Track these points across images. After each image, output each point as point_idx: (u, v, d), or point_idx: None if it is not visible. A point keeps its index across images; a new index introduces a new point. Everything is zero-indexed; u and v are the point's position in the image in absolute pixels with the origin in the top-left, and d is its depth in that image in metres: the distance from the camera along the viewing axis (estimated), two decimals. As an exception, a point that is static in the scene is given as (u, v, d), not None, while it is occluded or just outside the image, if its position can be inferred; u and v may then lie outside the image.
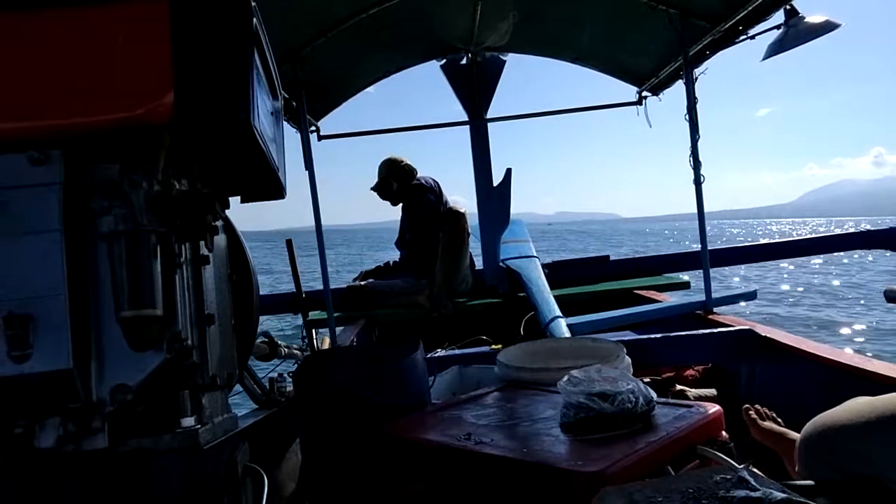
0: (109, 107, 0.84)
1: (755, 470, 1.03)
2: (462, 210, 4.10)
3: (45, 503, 0.83)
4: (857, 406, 1.20)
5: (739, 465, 1.12)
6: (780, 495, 0.90)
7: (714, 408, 1.46)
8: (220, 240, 1.12)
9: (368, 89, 4.42)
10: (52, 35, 0.84)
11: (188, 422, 0.89)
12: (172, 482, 0.85)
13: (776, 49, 2.82)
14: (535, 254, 4.46)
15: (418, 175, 4.40)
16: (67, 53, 0.84)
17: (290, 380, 1.81)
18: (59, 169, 0.83)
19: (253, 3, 0.94)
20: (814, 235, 4.88)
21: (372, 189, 4.47)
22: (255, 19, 0.95)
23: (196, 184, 0.92)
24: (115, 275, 0.81)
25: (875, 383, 1.95)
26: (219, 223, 1.11)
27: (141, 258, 0.81)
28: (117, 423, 0.85)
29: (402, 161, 4.40)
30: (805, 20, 2.76)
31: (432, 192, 4.24)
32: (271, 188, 1.24)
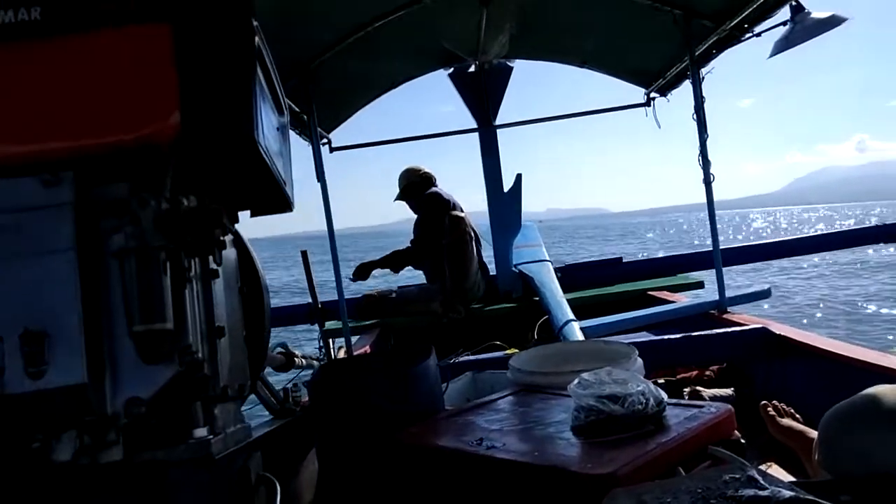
0: (117, 128, 0.86)
1: (775, 467, 1.03)
2: (462, 215, 4.13)
3: None
4: (881, 393, 1.19)
5: (753, 464, 1.12)
6: (788, 493, 0.90)
7: (725, 407, 1.45)
8: (230, 254, 1.14)
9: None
10: (59, 61, 0.87)
11: (201, 432, 0.91)
12: (186, 492, 0.87)
13: (783, 46, 2.81)
14: (547, 258, 4.47)
15: (436, 184, 4.44)
16: (74, 78, 0.87)
17: (304, 389, 1.83)
18: (70, 190, 0.85)
19: (255, 23, 0.96)
20: (830, 231, 4.83)
21: (396, 199, 4.52)
22: (257, 38, 0.98)
23: (204, 200, 0.95)
24: (127, 291, 0.84)
25: (893, 379, 1.93)
26: (228, 237, 1.13)
27: (151, 274, 0.83)
28: (132, 436, 0.87)
29: (420, 170, 4.45)
30: (811, 15, 2.74)
31: (445, 203, 4.27)
32: (279, 202, 1.26)
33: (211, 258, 0.99)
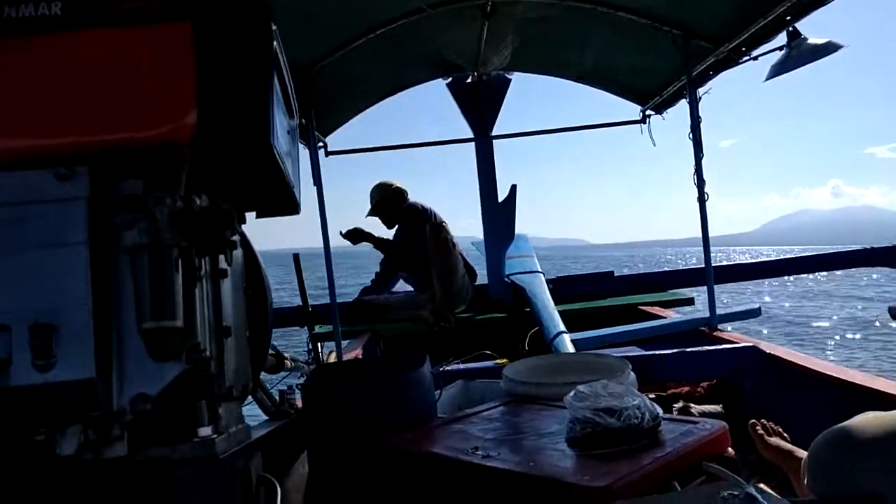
0: (135, 125, 0.87)
1: (763, 486, 1.04)
2: (442, 222, 4.14)
3: None
4: (866, 420, 1.20)
5: (746, 482, 1.13)
6: (787, 511, 0.91)
7: (720, 424, 1.47)
8: (237, 254, 1.15)
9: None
10: (80, 55, 0.87)
11: (205, 431, 0.91)
12: (189, 490, 0.87)
13: (778, 70, 2.85)
14: (539, 269, 4.48)
15: (409, 197, 4.45)
16: (95, 73, 0.87)
17: (298, 392, 1.83)
18: (84, 184, 0.85)
19: (273, 28, 0.97)
20: (818, 253, 4.91)
21: (368, 215, 4.51)
22: (275, 42, 0.98)
23: (216, 200, 0.95)
24: (138, 287, 0.83)
25: (881, 401, 1.95)
26: (236, 238, 1.13)
27: (163, 271, 0.83)
28: (136, 432, 0.87)
29: (393, 184, 4.45)
30: (807, 41, 2.79)
31: (424, 213, 4.28)
32: (286, 204, 1.27)
33: (221, 258, 0.99)
